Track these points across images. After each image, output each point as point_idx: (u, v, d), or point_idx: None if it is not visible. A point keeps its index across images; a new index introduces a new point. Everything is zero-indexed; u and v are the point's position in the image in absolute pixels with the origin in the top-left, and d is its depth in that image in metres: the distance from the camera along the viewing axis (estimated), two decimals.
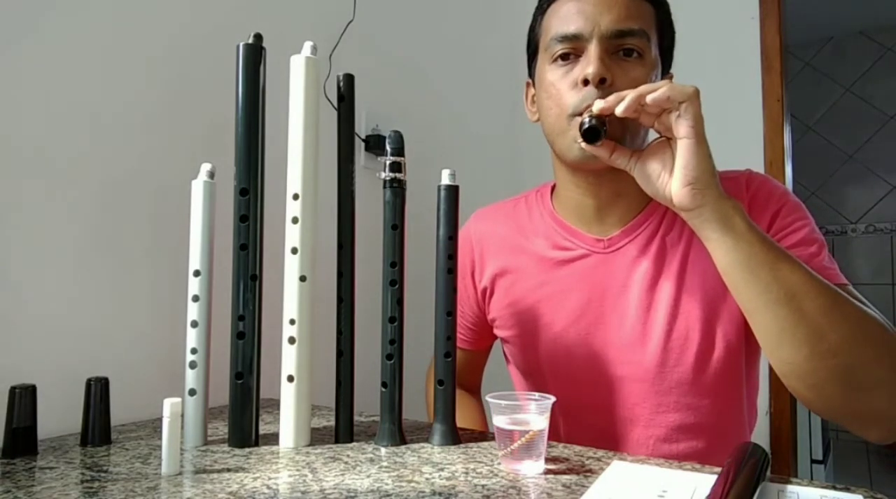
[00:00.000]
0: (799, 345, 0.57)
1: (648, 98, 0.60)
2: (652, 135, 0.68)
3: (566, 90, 0.70)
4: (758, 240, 0.59)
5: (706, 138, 0.60)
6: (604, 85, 0.67)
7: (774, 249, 0.60)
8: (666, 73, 0.76)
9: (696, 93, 0.59)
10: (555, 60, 0.72)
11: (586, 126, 0.64)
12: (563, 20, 0.71)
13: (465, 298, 0.88)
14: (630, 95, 0.61)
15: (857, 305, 0.59)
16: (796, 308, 0.57)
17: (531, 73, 0.81)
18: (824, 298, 0.57)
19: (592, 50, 0.68)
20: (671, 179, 0.62)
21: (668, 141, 0.63)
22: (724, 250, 0.60)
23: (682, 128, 0.60)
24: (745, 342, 0.73)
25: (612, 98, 0.63)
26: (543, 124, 0.75)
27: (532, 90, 0.81)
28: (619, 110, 0.61)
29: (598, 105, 0.63)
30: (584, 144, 0.65)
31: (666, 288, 0.73)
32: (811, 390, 0.59)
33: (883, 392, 0.57)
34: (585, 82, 0.68)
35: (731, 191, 0.70)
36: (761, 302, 0.59)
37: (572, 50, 0.70)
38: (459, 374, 0.77)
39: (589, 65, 0.67)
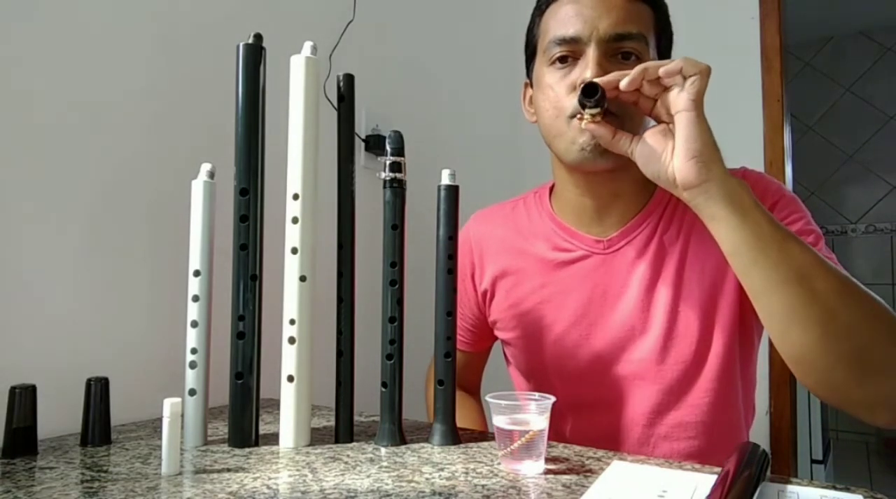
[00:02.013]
0: (810, 326, 0.55)
1: (662, 70, 0.59)
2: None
3: (564, 93, 0.70)
4: (765, 218, 0.58)
5: (705, 115, 0.60)
6: None
7: (781, 228, 0.58)
8: None
9: (709, 70, 0.59)
10: (553, 63, 0.72)
11: (584, 82, 0.63)
12: (562, 23, 0.70)
13: (465, 300, 0.88)
14: (634, 70, 0.61)
15: (864, 287, 0.58)
16: (808, 287, 0.55)
17: (529, 74, 0.81)
18: (835, 278, 0.56)
19: (591, 53, 0.68)
20: (673, 157, 0.61)
21: (667, 125, 0.63)
22: (731, 229, 0.59)
23: (682, 101, 0.59)
24: (741, 339, 0.73)
25: (613, 74, 0.62)
26: (541, 126, 0.75)
27: (530, 91, 0.81)
28: (623, 84, 0.61)
29: (600, 80, 0.63)
30: (586, 123, 0.65)
31: (664, 287, 0.73)
32: (820, 375, 0.57)
33: (892, 374, 0.55)
34: None
35: None
36: (771, 282, 0.57)
37: (570, 53, 0.70)
38: (459, 375, 0.77)
39: (587, 68, 0.67)
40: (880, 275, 3.38)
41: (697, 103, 0.59)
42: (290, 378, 0.65)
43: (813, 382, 0.59)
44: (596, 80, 0.63)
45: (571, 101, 0.69)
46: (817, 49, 3.51)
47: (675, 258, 0.73)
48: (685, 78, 0.59)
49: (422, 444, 0.67)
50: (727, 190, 0.59)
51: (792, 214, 0.70)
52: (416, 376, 0.88)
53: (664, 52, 0.75)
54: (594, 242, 0.77)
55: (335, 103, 0.70)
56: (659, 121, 0.64)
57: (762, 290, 0.58)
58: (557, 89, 0.71)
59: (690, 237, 0.73)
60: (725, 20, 1.73)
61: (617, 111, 0.67)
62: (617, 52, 0.69)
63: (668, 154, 0.62)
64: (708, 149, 0.59)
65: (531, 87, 0.80)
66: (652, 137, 0.64)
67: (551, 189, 0.84)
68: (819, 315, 0.55)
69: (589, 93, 0.63)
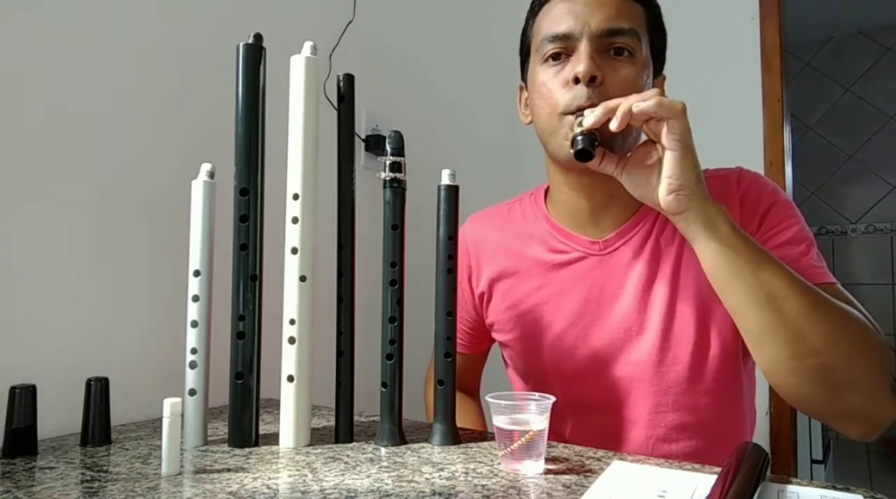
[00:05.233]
0: (780, 345, 0.58)
1: (635, 108, 0.59)
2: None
3: (557, 89, 0.70)
4: (741, 243, 0.60)
5: (693, 148, 0.61)
6: (594, 83, 0.67)
7: (758, 252, 0.60)
8: (658, 74, 0.76)
9: (683, 110, 0.59)
10: (546, 60, 0.72)
11: (579, 147, 0.63)
12: (554, 21, 0.71)
13: (463, 302, 0.88)
14: (620, 110, 0.61)
15: (840, 306, 0.60)
16: (777, 310, 0.58)
17: (524, 76, 0.81)
18: (805, 301, 0.58)
19: (583, 48, 0.68)
20: (658, 185, 0.62)
21: (654, 143, 0.64)
22: (708, 253, 0.61)
23: (668, 140, 0.60)
24: (740, 339, 0.73)
25: (599, 111, 0.62)
26: (536, 125, 0.75)
27: (525, 93, 0.81)
28: (613, 126, 0.61)
29: (589, 120, 0.63)
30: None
31: (661, 288, 0.73)
32: (792, 389, 0.60)
33: (861, 392, 0.58)
34: (576, 80, 0.68)
35: (721, 188, 0.71)
36: (744, 303, 0.60)
37: (563, 49, 0.70)
38: (458, 377, 0.77)
39: (579, 63, 0.67)
40: (880, 275, 3.37)
41: (683, 142, 0.60)
42: (290, 378, 0.66)
43: (786, 395, 0.62)
44: (585, 126, 0.63)
45: (565, 97, 0.69)
46: (817, 49, 3.51)
47: (672, 259, 0.73)
48: (666, 119, 0.59)
49: (422, 444, 0.67)
50: (705, 218, 0.61)
51: (785, 221, 0.70)
52: (416, 376, 0.88)
53: (659, 51, 0.75)
54: (590, 243, 0.77)
55: (335, 103, 0.70)
56: (649, 136, 0.65)
57: (736, 309, 0.62)
58: (551, 86, 0.71)
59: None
60: (725, 20, 1.73)
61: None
62: (609, 47, 0.69)
63: (653, 181, 0.63)
64: (689, 185, 0.61)
65: (526, 89, 0.80)
66: (638, 161, 0.65)
67: (546, 191, 0.84)
68: (788, 336, 0.58)
69: (583, 159, 0.64)
